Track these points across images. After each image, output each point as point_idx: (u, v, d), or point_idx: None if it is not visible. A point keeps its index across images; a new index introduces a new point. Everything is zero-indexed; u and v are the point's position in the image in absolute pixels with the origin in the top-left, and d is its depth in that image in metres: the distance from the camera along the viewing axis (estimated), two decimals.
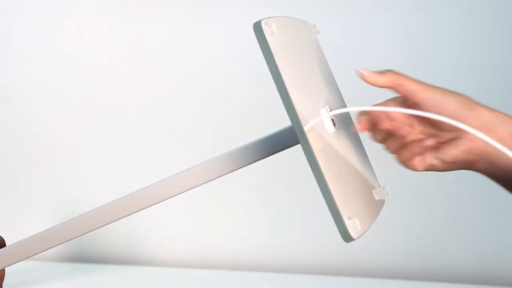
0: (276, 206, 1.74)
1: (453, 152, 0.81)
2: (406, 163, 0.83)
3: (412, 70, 1.62)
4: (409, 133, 0.84)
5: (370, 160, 0.90)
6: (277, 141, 0.83)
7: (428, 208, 1.64)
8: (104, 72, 1.81)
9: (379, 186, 0.86)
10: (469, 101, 0.82)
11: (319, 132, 0.77)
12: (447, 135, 0.83)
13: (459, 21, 1.60)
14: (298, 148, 0.79)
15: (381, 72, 0.82)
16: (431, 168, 0.84)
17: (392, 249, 1.66)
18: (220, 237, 1.77)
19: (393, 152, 0.84)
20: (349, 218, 0.75)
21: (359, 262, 1.68)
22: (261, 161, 0.85)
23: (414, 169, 0.83)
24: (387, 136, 0.84)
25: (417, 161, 0.83)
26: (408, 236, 1.65)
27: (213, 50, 1.74)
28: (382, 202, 0.86)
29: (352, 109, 0.80)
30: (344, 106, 0.88)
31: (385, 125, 0.83)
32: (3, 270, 0.95)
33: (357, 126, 0.82)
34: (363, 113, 0.84)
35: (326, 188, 0.75)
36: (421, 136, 0.83)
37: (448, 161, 0.82)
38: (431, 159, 0.83)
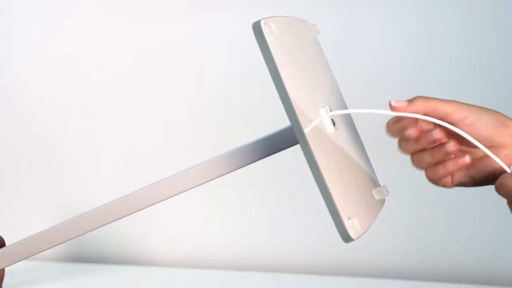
0: (275, 206, 1.73)
1: (488, 169, 0.81)
2: (436, 180, 0.82)
3: (412, 70, 1.63)
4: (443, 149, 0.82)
5: (371, 160, 0.89)
6: (277, 141, 0.83)
7: (428, 208, 1.64)
8: (104, 72, 1.81)
9: (379, 185, 0.86)
10: (503, 118, 0.82)
11: (318, 132, 0.77)
12: (480, 152, 0.82)
13: (459, 21, 1.60)
14: (297, 148, 0.79)
15: (410, 101, 0.80)
16: (461, 185, 0.84)
17: (392, 249, 1.66)
18: (220, 237, 1.77)
19: (422, 168, 0.82)
20: (349, 219, 0.75)
21: (359, 262, 1.68)
22: (260, 161, 0.85)
23: (444, 186, 0.83)
24: (418, 149, 0.82)
25: (449, 180, 0.82)
26: (408, 236, 1.65)
27: (213, 50, 1.74)
28: (382, 201, 0.85)
29: (353, 111, 0.80)
30: (344, 105, 0.88)
31: (424, 139, 0.81)
32: (3, 270, 0.95)
33: (405, 131, 0.80)
34: (396, 121, 0.82)
35: (325, 189, 0.74)
36: (455, 153, 0.81)
37: (480, 180, 0.82)
38: (462, 177, 0.83)
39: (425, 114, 0.80)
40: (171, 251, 1.80)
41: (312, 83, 0.82)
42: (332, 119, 0.80)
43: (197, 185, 0.85)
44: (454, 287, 1.58)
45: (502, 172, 0.79)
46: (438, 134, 0.79)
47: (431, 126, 0.81)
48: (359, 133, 0.89)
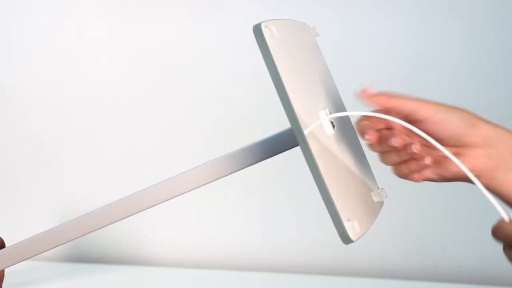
0: (275, 206, 1.74)
1: (454, 169, 0.81)
2: (403, 176, 0.83)
3: (412, 70, 1.63)
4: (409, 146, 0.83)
5: (369, 162, 0.90)
6: (277, 143, 0.83)
7: (427, 208, 1.64)
8: (104, 72, 1.81)
9: (378, 188, 0.87)
10: (472, 118, 0.82)
11: (318, 135, 0.78)
12: (448, 150, 0.83)
13: (459, 21, 1.60)
14: (297, 150, 0.80)
15: (373, 95, 0.81)
16: (430, 181, 0.84)
17: (392, 249, 1.66)
18: (220, 237, 1.77)
19: (389, 165, 0.83)
20: (348, 220, 0.75)
21: (359, 262, 1.68)
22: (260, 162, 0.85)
23: (412, 180, 0.83)
24: (386, 148, 0.83)
25: (415, 176, 0.83)
26: (408, 236, 1.65)
27: (213, 50, 1.74)
28: (381, 204, 0.86)
29: (352, 113, 0.80)
30: (343, 108, 0.89)
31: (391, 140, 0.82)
32: (3, 271, 0.95)
33: (365, 135, 0.81)
34: (364, 119, 0.83)
35: (325, 190, 0.75)
36: (420, 154, 0.81)
37: (448, 177, 0.82)
38: (430, 174, 0.83)
39: (388, 110, 0.80)
40: (171, 251, 1.80)
41: (312, 85, 0.83)
42: (332, 122, 0.81)
43: (198, 187, 0.85)
44: (454, 287, 1.58)
45: (471, 170, 0.80)
46: (396, 142, 0.80)
47: (398, 127, 0.82)
48: (358, 136, 0.89)
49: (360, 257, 1.68)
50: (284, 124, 0.82)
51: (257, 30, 0.76)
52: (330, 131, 0.80)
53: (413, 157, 0.81)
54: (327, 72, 0.90)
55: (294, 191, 1.71)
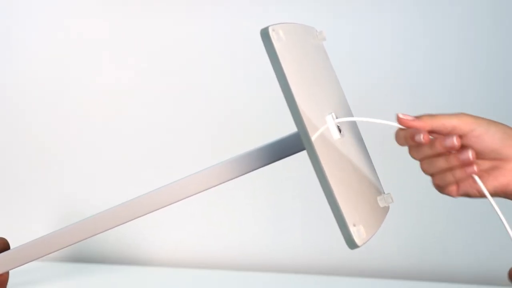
0: (275, 206, 1.74)
1: (493, 183, 0.81)
2: (442, 187, 0.82)
3: (412, 70, 1.63)
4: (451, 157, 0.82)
5: (375, 166, 0.90)
6: (283, 147, 0.83)
7: (428, 209, 1.64)
8: (104, 72, 1.80)
9: (384, 192, 0.86)
10: (511, 130, 0.81)
11: (325, 139, 0.77)
12: (486, 164, 0.82)
13: (459, 21, 1.60)
14: (303, 154, 0.80)
15: (418, 117, 0.80)
16: (466, 196, 0.84)
17: (393, 250, 1.66)
18: (220, 237, 1.77)
19: (431, 174, 0.82)
20: (354, 225, 0.75)
21: (359, 262, 1.68)
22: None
23: (449, 194, 0.83)
24: (432, 155, 0.82)
25: (455, 189, 0.82)
26: (409, 236, 1.66)
27: (213, 50, 1.74)
28: (386, 209, 0.86)
29: (359, 119, 0.80)
30: (350, 112, 0.88)
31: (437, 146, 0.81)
32: (7, 273, 0.95)
33: (415, 136, 0.80)
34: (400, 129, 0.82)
35: (331, 195, 0.75)
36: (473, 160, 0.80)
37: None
38: (468, 188, 0.83)
39: (432, 130, 0.80)
40: (171, 251, 1.80)
41: (319, 89, 0.83)
42: (338, 126, 0.81)
43: (204, 190, 0.85)
44: (454, 287, 1.58)
45: (506, 188, 0.80)
46: (458, 141, 0.79)
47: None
48: (364, 140, 0.89)
49: (360, 257, 1.68)
50: (289, 125, 0.82)
51: (265, 34, 0.76)
52: (336, 135, 0.80)
53: (460, 165, 0.80)
54: (334, 76, 0.90)
55: (297, 192, 1.71)
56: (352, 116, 0.83)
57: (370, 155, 0.90)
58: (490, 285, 1.60)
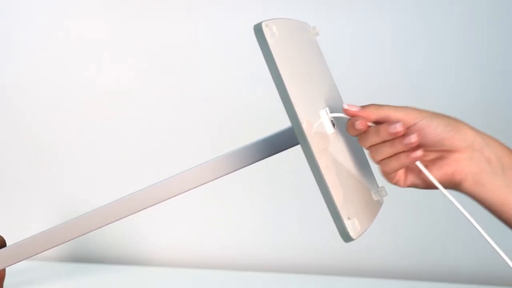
0: (275, 206, 1.74)
1: (438, 173, 0.82)
2: (390, 176, 0.83)
3: (412, 70, 1.63)
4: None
5: (369, 161, 0.90)
6: (278, 142, 0.84)
7: (428, 208, 1.64)
8: (104, 72, 1.81)
9: (378, 186, 0.87)
10: (456, 123, 0.82)
11: (318, 133, 0.78)
12: (431, 155, 0.83)
13: (459, 21, 1.60)
14: (297, 148, 0.80)
15: (363, 107, 0.81)
16: (413, 186, 0.85)
17: (392, 249, 1.66)
18: (219, 237, 1.77)
19: (378, 160, 0.82)
20: (348, 218, 0.76)
21: (359, 262, 1.68)
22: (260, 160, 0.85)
23: (397, 184, 0.84)
24: (379, 142, 0.82)
25: (401, 178, 0.83)
26: (408, 236, 1.65)
27: (213, 50, 1.74)
28: (380, 202, 0.86)
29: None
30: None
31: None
32: (4, 270, 0.95)
33: (356, 123, 0.81)
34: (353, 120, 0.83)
35: (326, 189, 0.75)
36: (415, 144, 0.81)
37: (432, 183, 0.83)
38: (414, 179, 0.84)
39: (377, 121, 0.81)
40: (171, 251, 1.80)
41: (312, 84, 0.83)
42: (332, 120, 0.81)
43: (199, 186, 0.85)
44: (454, 287, 1.58)
45: (452, 177, 0.81)
46: (401, 127, 0.80)
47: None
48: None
49: (360, 257, 1.68)
50: (284, 123, 0.83)
51: (258, 30, 0.76)
52: (330, 130, 0.81)
53: (405, 150, 0.81)
54: (327, 71, 0.90)
55: (295, 190, 1.71)
56: None
57: (364, 150, 0.90)
58: (490, 285, 1.59)
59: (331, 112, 0.81)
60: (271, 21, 0.78)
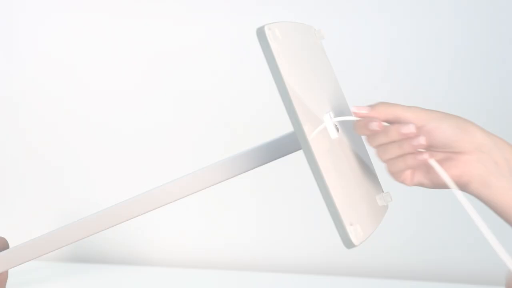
0: (275, 206, 1.74)
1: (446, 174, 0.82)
2: (396, 175, 0.83)
3: (412, 70, 1.63)
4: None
5: (374, 165, 0.89)
6: (280, 147, 0.83)
7: (428, 209, 1.64)
8: (104, 72, 1.81)
9: (383, 191, 0.86)
10: (465, 124, 0.82)
11: (322, 138, 0.77)
12: (439, 155, 0.82)
13: (459, 21, 1.60)
14: (300, 153, 0.79)
15: (372, 106, 0.81)
16: (420, 185, 0.84)
17: (392, 249, 1.66)
18: (219, 237, 1.77)
19: (386, 160, 0.82)
20: (351, 225, 0.75)
21: (359, 262, 1.68)
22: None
23: (403, 182, 0.83)
24: (387, 142, 0.82)
25: (408, 177, 0.83)
26: (408, 236, 1.65)
27: (213, 51, 1.74)
28: (385, 207, 0.85)
29: (356, 118, 0.80)
30: (348, 111, 0.87)
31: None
32: (6, 272, 0.95)
33: (370, 124, 0.80)
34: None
35: (328, 195, 0.74)
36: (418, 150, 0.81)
37: (439, 183, 0.82)
38: (421, 178, 0.83)
39: (386, 121, 0.81)
40: (171, 251, 1.80)
41: (316, 88, 0.82)
42: (336, 125, 0.80)
43: (200, 190, 0.84)
44: (454, 287, 1.58)
45: (459, 179, 0.81)
46: (414, 128, 0.80)
47: None
48: (363, 138, 0.89)
49: (360, 257, 1.68)
50: (287, 126, 0.82)
51: (261, 33, 0.75)
52: (334, 134, 0.80)
53: (412, 152, 0.81)
54: (332, 75, 0.89)
55: (295, 192, 1.71)
56: (351, 115, 0.83)
57: (369, 154, 0.89)
58: (490, 285, 1.59)
59: (335, 116, 0.81)
60: (274, 24, 0.76)
